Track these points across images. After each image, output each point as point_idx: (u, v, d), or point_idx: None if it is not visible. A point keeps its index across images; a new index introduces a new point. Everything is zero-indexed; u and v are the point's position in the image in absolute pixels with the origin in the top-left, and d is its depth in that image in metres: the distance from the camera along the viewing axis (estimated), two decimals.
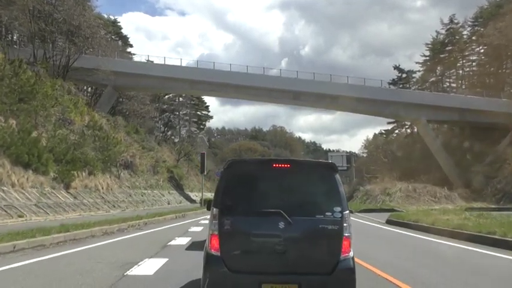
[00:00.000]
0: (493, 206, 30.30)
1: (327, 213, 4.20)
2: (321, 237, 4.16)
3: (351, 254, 4.23)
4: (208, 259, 4.17)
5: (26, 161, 19.17)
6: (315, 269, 4.13)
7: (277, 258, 4.09)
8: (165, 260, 7.91)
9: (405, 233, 14.80)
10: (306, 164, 4.86)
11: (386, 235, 15.03)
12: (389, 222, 19.20)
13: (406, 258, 9.07)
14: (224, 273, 4.04)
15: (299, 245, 4.13)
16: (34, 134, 21.30)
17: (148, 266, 7.20)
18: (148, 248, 9.62)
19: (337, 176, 4.44)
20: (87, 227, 12.19)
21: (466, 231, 12.27)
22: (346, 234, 4.19)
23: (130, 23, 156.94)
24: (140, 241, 11.28)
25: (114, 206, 25.59)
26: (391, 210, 28.15)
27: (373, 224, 19.61)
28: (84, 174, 24.81)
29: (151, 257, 8.23)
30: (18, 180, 17.96)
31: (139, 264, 7.40)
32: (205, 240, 4.61)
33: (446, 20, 66.67)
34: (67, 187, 22.01)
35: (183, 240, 11.47)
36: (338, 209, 4.22)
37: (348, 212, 4.30)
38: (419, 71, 71.33)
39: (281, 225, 4.08)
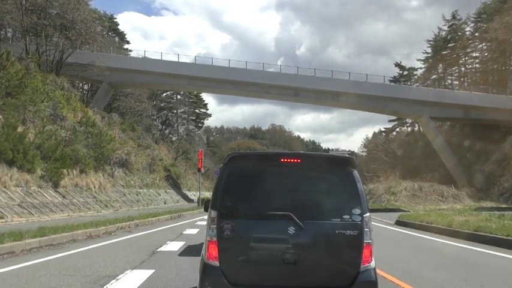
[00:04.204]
0: (504, 206, 29.08)
1: (344, 216, 3.66)
2: (338, 245, 3.61)
3: (373, 264, 3.67)
4: (205, 270, 3.60)
5: (10, 157, 17.85)
6: (330, 282, 3.58)
7: (285, 269, 3.55)
8: (150, 271, 6.63)
9: (420, 235, 13.57)
10: (319, 158, 4.23)
11: (400, 238, 13.79)
12: (399, 223, 17.99)
13: (436, 267, 7.81)
14: (223, 287, 3.49)
15: (312, 253, 3.59)
16: (20, 129, 19.98)
17: (129, 281, 5.92)
18: (134, 256, 8.36)
19: (356, 173, 3.83)
20: (69, 229, 10.92)
21: (491, 235, 11.05)
22: (367, 241, 3.63)
23: (126, 22, 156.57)
24: (126, 246, 9.99)
25: (107, 206, 24.30)
26: (397, 210, 27.05)
27: (383, 226, 18.29)
28: (75, 172, 23.51)
29: (135, 268, 6.96)
30: (0, 179, 16.67)
31: (118, 278, 6.13)
32: (201, 244, 4.11)
33: (448, 17, 65.71)
34: (55, 186, 20.70)
35: (176, 245, 10.21)
36: (357, 211, 3.66)
37: (368, 214, 3.70)
38: (420, 68, 70.36)
39: (291, 230, 3.55)
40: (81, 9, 38.92)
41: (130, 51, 58.64)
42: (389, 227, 17.37)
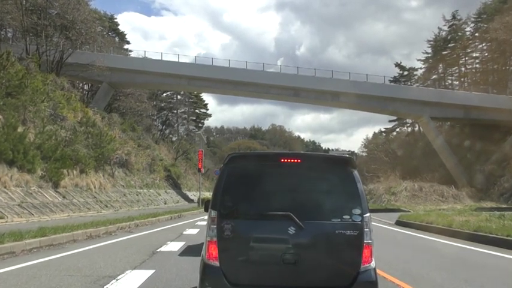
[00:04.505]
0: (504, 206, 29.07)
1: (344, 217, 3.65)
2: (338, 245, 3.60)
3: (373, 264, 3.66)
4: (205, 270, 3.59)
5: (10, 158, 17.86)
6: (330, 282, 3.57)
7: (285, 269, 3.54)
8: (151, 272, 6.63)
9: (420, 235, 13.58)
10: (320, 159, 4.21)
11: (400, 238, 13.79)
12: (399, 223, 18.00)
13: (436, 267, 7.81)
14: (223, 287, 3.49)
15: (312, 253, 3.58)
16: (20, 129, 19.97)
17: (129, 282, 5.92)
18: (134, 256, 8.36)
19: (356, 173, 3.83)
20: (69, 230, 10.92)
21: (491, 235, 11.05)
22: (367, 241, 3.63)
23: (126, 22, 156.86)
24: (127, 246, 10.00)
25: (107, 206, 24.31)
26: (398, 210, 27.04)
27: (383, 226, 18.29)
28: (75, 172, 23.53)
29: (135, 268, 6.97)
30: (0, 179, 16.68)
31: (118, 278, 6.14)
32: (201, 244, 4.12)
33: (448, 17, 65.71)
34: (56, 186, 20.71)
35: (176, 245, 10.21)
36: (357, 211, 3.65)
37: (369, 214, 3.70)
38: (420, 68, 70.36)
39: (291, 230, 3.54)
40: (82, 9, 38.94)
41: (131, 51, 58.74)
42: (389, 227, 17.37)
